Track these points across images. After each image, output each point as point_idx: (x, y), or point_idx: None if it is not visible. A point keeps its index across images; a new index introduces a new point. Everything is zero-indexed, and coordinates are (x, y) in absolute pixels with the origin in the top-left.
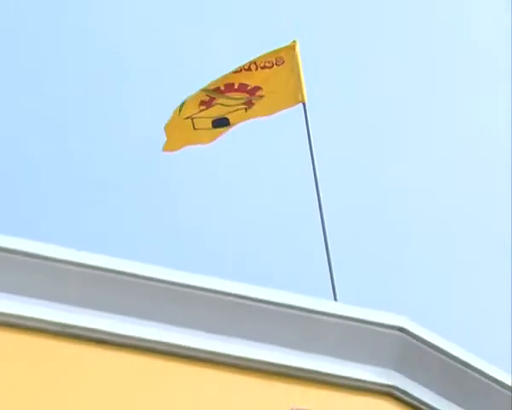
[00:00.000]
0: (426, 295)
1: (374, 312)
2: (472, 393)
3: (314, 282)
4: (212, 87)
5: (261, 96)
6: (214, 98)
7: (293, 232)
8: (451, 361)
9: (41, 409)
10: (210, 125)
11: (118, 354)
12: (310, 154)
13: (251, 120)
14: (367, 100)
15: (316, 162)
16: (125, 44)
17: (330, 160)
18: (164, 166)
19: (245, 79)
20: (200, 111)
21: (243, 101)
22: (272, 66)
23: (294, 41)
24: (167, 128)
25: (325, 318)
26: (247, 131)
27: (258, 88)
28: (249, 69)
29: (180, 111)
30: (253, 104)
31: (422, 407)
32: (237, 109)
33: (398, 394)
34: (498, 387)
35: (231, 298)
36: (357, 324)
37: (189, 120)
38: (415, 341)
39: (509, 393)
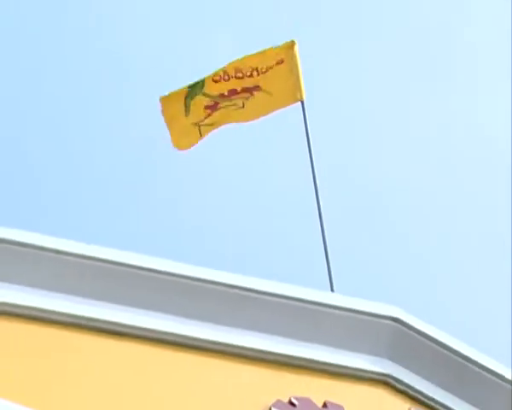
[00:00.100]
0: (421, 288)
1: (369, 303)
2: (463, 381)
3: (312, 274)
4: (216, 92)
5: (260, 93)
6: (218, 103)
7: (292, 230)
8: (444, 350)
9: (52, 397)
10: (205, 114)
11: (127, 344)
12: (308, 151)
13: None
14: (365, 98)
15: (314, 158)
16: (124, 44)
17: (327, 155)
18: (164, 164)
19: (247, 83)
20: (206, 117)
21: (243, 100)
22: (272, 67)
23: (293, 41)
24: (173, 124)
25: (323, 308)
26: (246, 127)
27: (258, 87)
28: (251, 76)
29: (188, 113)
30: (252, 96)
31: (416, 394)
32: (238, 108)
33: (392, 382)
34: (489, 375)
35: (234, 290)
36: (354, 314)
37: (197, 128)
38: (408, 331)
39: (499, 380)
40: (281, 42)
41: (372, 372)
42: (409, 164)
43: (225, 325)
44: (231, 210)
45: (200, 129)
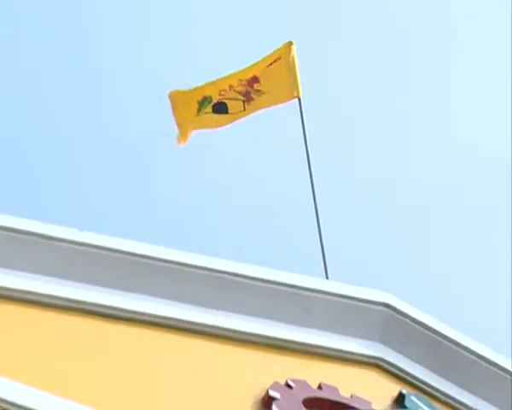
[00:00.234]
0: (413, 275)
1: (362, 289)
2: (451, 363)
3: (309, 263)
4: (221, 97)
5: (259, 91)
6: (222, 100)
7: (291, 226)
8: (432, 334)
9: (48, 377)
10: (210, 110)
11: (122, 328)
12: (304, 143)
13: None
14: (361, 95)
15: (309, 152)
16: (124, 43)
17: (323, 149)
18: (161, 154)
19: (245, 76)
20: (204, 106)
21: (242, 92)
22: (271, 64)
23: (290, 41)
24: (183, 125)
25: (318, 295)
26: (245, 123)
27: (256, 80)
28: (252, 82)
29: (198, 114)
30: (252, 98)
31: (406, 376)
32: (236, 99)
33: (383, 365)
34: (475, 358)
35: (233, 277)
36: (347, 300)
37: (195, 111)
38: (399, 316)
39: (486, 364)
40: (280, 42)
41: (364, 356)
42: (402, 157)
43: (225, 310)
44: (229, 201)
45: (201, 117)
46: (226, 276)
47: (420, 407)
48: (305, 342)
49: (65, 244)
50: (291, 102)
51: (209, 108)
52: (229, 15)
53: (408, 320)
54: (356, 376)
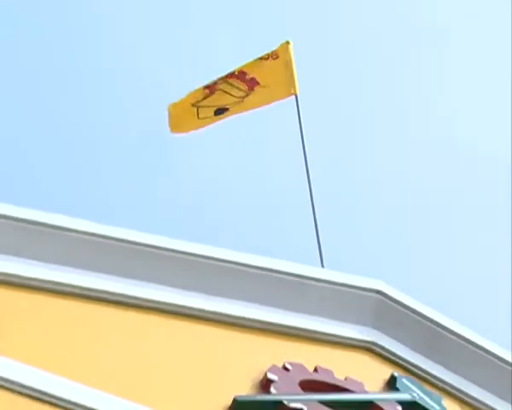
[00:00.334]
0: (406, 263)
1: (355, 277)
2: (440, 347)
3: (305, 252)
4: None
5: (257, 88)
6: (216, 83)
7: (290, 217)
8: (422, 320)
9: (60, 360)
10: (212, 114)
11: (129, 314)
12: (301, 140)
13: (248, 111)
14: (359, 94)
15: (305, 144)
16: (124, 42)
17: (319, 144)
18: (164, 151)
19: (243, 67)
20: (205, 98)
21: (242, 93)
22: (268, 58)
23: (288, 41)
24: (172, 109)
25: (313, 282)
26: (244, 118)
27: (255, 80)
28: (249, 68)
29: (187, 95)
30: (252, 89)
31: (397, 359)
32: (236, 100)
33: (376, 349)
34: (463, 342)
35: (234, 266)
36: (341, 287)
37: (195, 109)
38: (390, 302)
39: (472, 348)
40: (278, 41)
41: (358, 340)
42: (399, 152)
43: (227, 297)
44: (227, 195)
45: (199, 111)
46: (228, 265)
47: (410, 388)
48: (301, 327)
49: (72, 234)
50: (288, 99)
51: (211, 113)
52: (229, 15)
53: (399, 306)
54: (350, 359)
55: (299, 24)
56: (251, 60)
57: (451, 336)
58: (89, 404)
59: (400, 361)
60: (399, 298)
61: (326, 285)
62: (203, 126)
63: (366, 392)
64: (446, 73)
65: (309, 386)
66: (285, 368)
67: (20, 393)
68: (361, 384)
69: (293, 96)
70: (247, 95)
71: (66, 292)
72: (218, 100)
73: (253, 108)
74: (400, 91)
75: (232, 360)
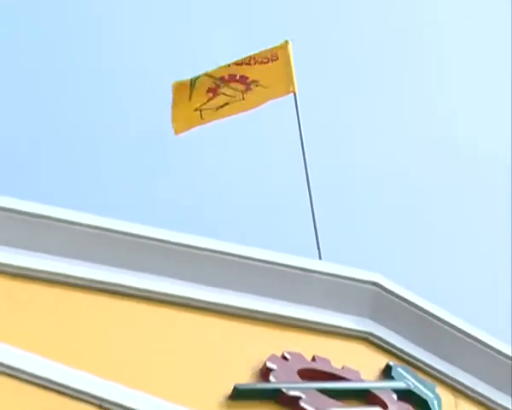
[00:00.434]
0: (404, 257)
1: (353, 269)
2: (434, 337)
3: (303, 246)
4: (218, 75)
5: (257, 87)
6: (219, 87)
7: (290, 216)
8: (417, 311)
9: (63, 349)
10: (214, 117)
11: (132, 304)
12: (299, 136)
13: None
14: (357, 94)
15: (304, 140)
16: (125, 42)
17: (316, 139)
18: (164, 150)
19: (245, 71)
20: (208, 101)
21: (242, 93)
22: (268, 61)
23: (287, 41)
24: (176, 112)
25: (312, 274)
26: (243, 116)
27: (255, 81)
28: (249, 63)
29: (190, 98)
30: (251, 89)
31: (392, 349)
32: (237, 100)
33: (372, 339)
34: (456, 332)
35: (236, 258)
36: (339, 279)
37: (198, 112)
38: (386, 294)
39: (465, 338)
40: (278, 41)
41: (355, 330)
42: (395, 148)
43: (228, 288)
44: (228, 193)
45: (202, 113)
46: (229, 258)
47: (405, 377)
48: (300, 317)
49: (76, 227)
50: (287, 97)
51: (214, 115)
52: (229, 15)
53: (395, 298)
54: (346, 349)
55: (299, 24)
56: (251, 53)
57: (445, 327)
58: (92, 391)
59: (395, 351)
60: (395, 290)
61: (324, 277)
62: (205, 123)
63: (362, 381)
64: (446, 72)
65: (307, 375)
66: (284, 357)
67: (26, 381)
68: (357, 373)
69: (292, 95)
70: (248, 93)
71: (73, 283)
72: (220, 101)
73: (254, 106)
74: (399, 90)
75: (233, 349)
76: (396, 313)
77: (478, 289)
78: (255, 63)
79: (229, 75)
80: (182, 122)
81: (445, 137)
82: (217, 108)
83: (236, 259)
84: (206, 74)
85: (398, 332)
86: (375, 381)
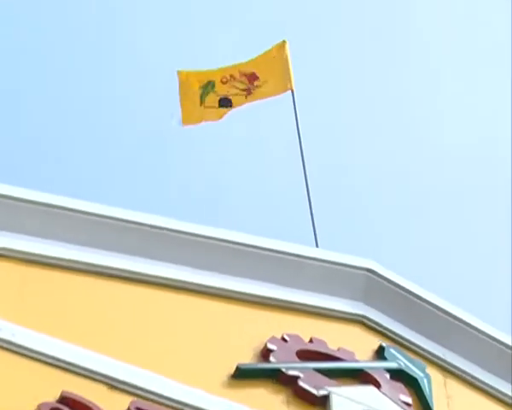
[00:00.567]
0: (398, 243)
1: (348, 256)
2: (423, 320)
3: (300, 233)
4: (225, 92)
5: (257, 85)
6: (227, 97)
7: (288, 199)
8: (408, 295)
9: (69, 331)
10: (217, 104)
11: (143, 290)
12: (297, 132)
13: (247, 105)
14: (355, 93)
15: (301, 135)
16: (126, 41)
17: (313, 135)
18: (163, 149)
19: (245, 70)
20: (207, 92)
21: (244, 88)
22: (266, 60)
23: (284, 40)
24: (184, 102)
25: (309, 261)
26: (243, 112)
27: (255, 77)
28: (251, 75)
29: (202, 103)
30: (251, 93)
31: (385, 331)
32: (238, 94)
33: (366, 321)
34: (444, 315)
35: (237, 246)
36: (335, 266)
37: (198, 94)
38: (380, 279)
39: (452, 320)
40: (276, 40)
41: (349, 314)
42: (391, 143)
43: (230, 274)
44: (227, 181)
45: (203, 98)
46: (232, 245)
47: (397, 357)
48: (298, 302)
49: (92, 217)
50: (285, 94)
51: (214, 100)
52: (229, 15)
53: (387, 283)
54: (342, 331)
55: (297, 23)
56: (252, 57)
57: (434, 310)
58: (102, 371)
59: (388, 333)
60: (388, 276)
61: (321, 264)
62: (211, 119)
63: (357, 361)
64: (446, 70)
65: (305, 355)
66: (283, 339)
67: (39, 360)
68: (352, 354)
69: (290, 92)
70: (248, 89)
71: (81, 269)
72: (224, 90)
73: (253, 100)
74: (396, 88)
75: (235, 331)
76: (388, 297)
77: (470, 276)
78: (255, 73)
79: (231, 75)
80: (189, 116)
81: (445, 136)
82: (218, 97)
83: (238, 246)
84: (215, 92)
85: (390, 315)
86: (369, 361)
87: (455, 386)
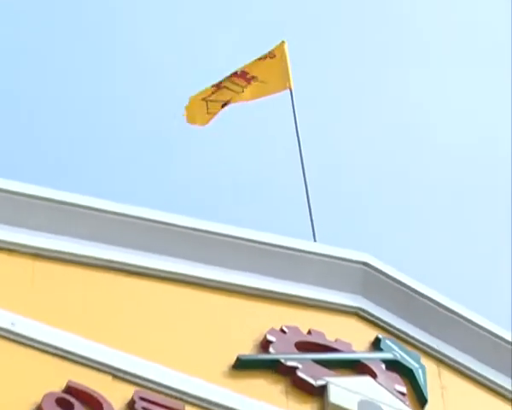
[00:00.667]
0: (392, 238)
1: (345, 250)
2: (418, 312)
3: (299, 228)
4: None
5: (256, 82)
6: (222, 82)
7: (287, 192)
8: (403, 288)
9: (92, 326)
10: (219, 108)
11: (147, 283)
12: (295, 129)
13: (246, 103)
14: (353, 91)
15: (299, 132)
16: (126, 41)
17: (311, 131)
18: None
19: (245, 68)
20: (213, 93)
21: (242, 87)
22: (266, 59)
23: (283, 41)
24: (187, 107)
25: (307, 255)
26: (242, 110)
27: (254, 77)
28: (248, 68)
29: (198, 92)
30: (250, 84)
31: (381, 323)
32: (238, 93)
33: (362, 314)
34: (438, 307)
35: (237, 240)
36: (332, 260)
37: (205, 103)
38: (375, 272)
39: (445, 312)
40: (277, 41)
41: (346, 306)
42: (388, 140)
43: (231, 268)
44: (228, 176)
45: (208, 105)
46: (233, 240)
47: (393, 349)
48: (297, 294)
49: (96, 213)
50: (284, 93)
51: (218, 108)
52: (229, 15)
53: (383, 276)
54: (339, 323)
55: (297, 22)
56: (252, 60)
57: (428, 302)
58: (106, 361)
59: (384, 325)
60: (384, 269)
61: (319, 258)
62: (212, 118)
63: (354, 352)
64: (445, 70)
65: (303, 346)
66: (282, 331)
67: (46, 351)
68: (349, 345)
69: (288, 91)
70: (247, 88)
71: (88, 263)
72: (223, 95)
73: (252, 99)
74: (395, 88)
75: (235, 323)
76: (384, 290)
77: (466, 271)
78: (254, 63)
79: (232, 73)
80: (193, 113)
81: (445, 135)
82: (221, 102)
83: (239, 241)
84: (216, 100)
85: (386, 308)
86: (365, 352)
87: (449, 376)
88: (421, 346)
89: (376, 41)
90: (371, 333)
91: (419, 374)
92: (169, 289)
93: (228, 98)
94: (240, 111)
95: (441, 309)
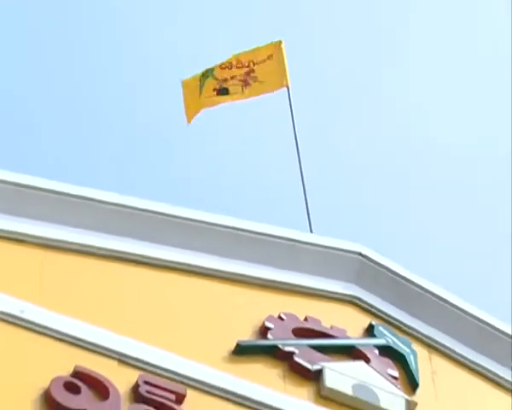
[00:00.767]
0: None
1: (340, 241)
2: (410, 300)
3: (295, 219)
4: (222, 78)
5: (255, 80)
6: (222, 83)
7: (287, 186)
8: (396, 277)
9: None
10: (214, 93)
11: (152, 272)
12: (292, 126)
13: (244, 101)
14: (351, 90)
15: (296, 129)
16: (126, 40)
17: (308, 128)
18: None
19: (245, 73)
20: (206, 78)
21: (241, 75)
22: (264, 59)
23: (280, 40)
24: (187, 103)
25: (304, 245)
26: (240, 107)
27: (252, 70)
28: (248, 66)
29: (200, 93)
30: (249, 85)
31: (374, 311)
32: (235, 83)
33: (357, 302)
34: (430, 296)
35: (238, 231)
36: (328, 250)
37: (198, 85)
38: (370, 262)
39: (436, 300)
40: (274, 38)
41: (342, 294)
42: (385, 136)
43: (230, 257)
44: (228, 171)
45: (201, 88)
46: (232, 230)
47: (386, 335)
48: (294, 283)
49: (104, 205)
50: (281, 90)
51: (212, 87)
52: (229, 13)
53: (377, 266)
54: (335, 310)
55: (294, 21)
56: (250, 48)
57: (419, 291)
58: (112, 346)
59: (377, 312)
60: (378, 259)
61: (316, 248)
62: (206, 106)
63: (348, 338)
64: (445, 69)
65: (300, 333)
66: (280, 318)
67: (53, 337)
68: (344, 331)
69: (286, 89)
70: (245, 80)
71: (95, 253)
72: (222, 75)
73: (249, 97)
74: (395, 87)
75: (235, 311)
76: (378, 279)
77: (461, 262)
78: (254, 65)
79: (232, 77)
80: (191, 110)
81: (445, 135)
82: (214, 87)
83: (238, 232)
84: (213, 77)
85: (379, 296)
86: (360, 338)
87: (439, 362)
88: (412, 332)
89: (376, 40)
90: (365, 320)
91: (411, 359)
92: (172, 278)
93: (223, 84)
94: (237, 108)
95: (432, 297)
